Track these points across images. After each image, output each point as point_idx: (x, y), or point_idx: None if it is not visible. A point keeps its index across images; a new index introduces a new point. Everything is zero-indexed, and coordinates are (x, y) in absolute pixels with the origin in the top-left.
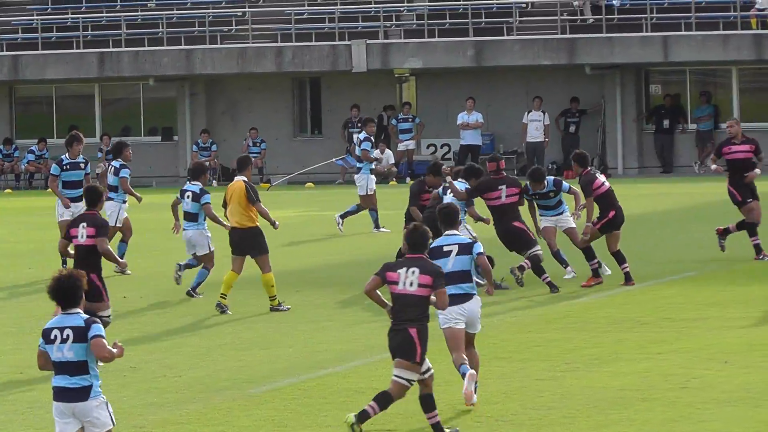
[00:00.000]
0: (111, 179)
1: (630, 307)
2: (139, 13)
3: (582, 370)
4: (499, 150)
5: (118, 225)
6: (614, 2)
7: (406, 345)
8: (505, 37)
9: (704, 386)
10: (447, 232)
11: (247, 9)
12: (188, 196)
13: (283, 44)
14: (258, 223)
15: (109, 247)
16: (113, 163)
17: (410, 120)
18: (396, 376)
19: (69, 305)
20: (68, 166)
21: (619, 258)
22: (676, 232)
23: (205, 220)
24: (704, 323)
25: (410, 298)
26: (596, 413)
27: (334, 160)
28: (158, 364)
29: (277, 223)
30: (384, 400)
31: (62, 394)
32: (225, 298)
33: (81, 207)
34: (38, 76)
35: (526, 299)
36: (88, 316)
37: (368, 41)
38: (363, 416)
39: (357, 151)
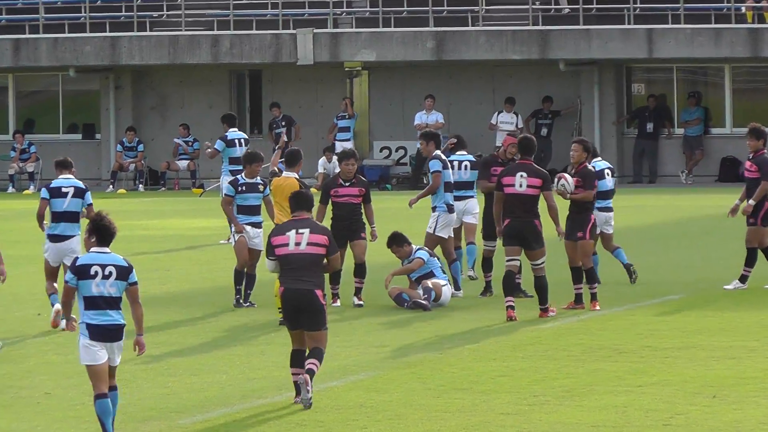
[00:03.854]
0: None
1: (607, 333)
2: None
3: (552, 403)
4: None
5: None
6: None
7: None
8: (470, 28)
9: (689, 423)
10: (62, 176)
11: None
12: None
13: (219, 32)
14: None
15: None
16: None
17: (348, 117)
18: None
19: (104, 243)
20: None
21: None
22: (658, 250)
23: None
24: (689, 353)
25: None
26: None
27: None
28: (76, 390)
29: None
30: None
31: (103, 333)
32: None
33: None
34: None
35: (489, 322)
36: (124, 256)
37: (315, 30)
38: None
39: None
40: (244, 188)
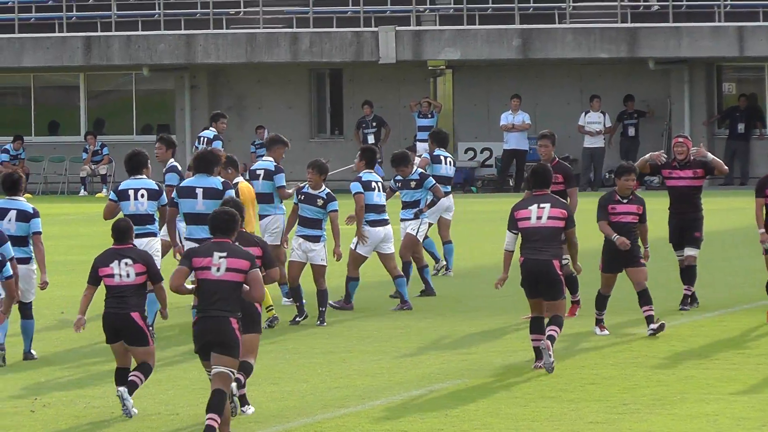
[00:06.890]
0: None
1: (697, 339)
2: None
3: (642, 412)
4: None
5: None
6: None
7: None
8: (557, 26)
9: None
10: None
11: None
12: None
13: (299, 30)
14: None
15: None
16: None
17: (431, 116)
18: None
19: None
20: None
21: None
22: (749, 253)
23: None
24: None
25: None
26: None
27: None
28: (151, 400)
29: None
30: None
31: None
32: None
33: None
34: (14, 64)
35: (579, 329)
36: None
37: (398, 28)
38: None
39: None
40: (302, 197)
